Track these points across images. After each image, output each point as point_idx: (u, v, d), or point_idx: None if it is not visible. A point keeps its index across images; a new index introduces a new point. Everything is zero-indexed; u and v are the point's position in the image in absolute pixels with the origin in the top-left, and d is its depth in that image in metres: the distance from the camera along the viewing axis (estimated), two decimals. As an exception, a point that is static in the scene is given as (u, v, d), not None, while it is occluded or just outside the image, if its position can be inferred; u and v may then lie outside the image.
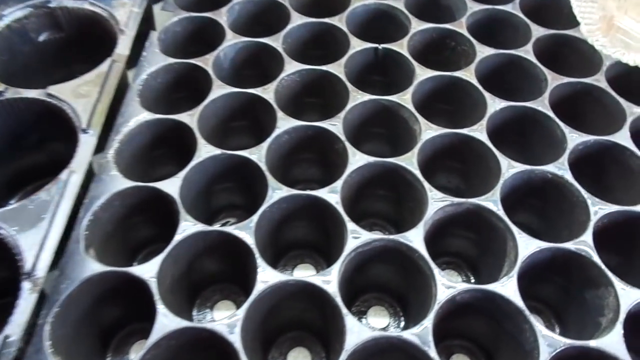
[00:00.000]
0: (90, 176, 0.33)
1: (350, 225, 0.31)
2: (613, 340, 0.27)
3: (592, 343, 0.27)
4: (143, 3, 0.42)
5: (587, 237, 0.31)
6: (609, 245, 0.33)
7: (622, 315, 0.28)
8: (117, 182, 0.33)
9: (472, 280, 0.37)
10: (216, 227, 0.32)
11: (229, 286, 0.35)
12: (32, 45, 0.42)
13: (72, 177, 0.31)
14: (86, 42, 0.42)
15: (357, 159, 0.34)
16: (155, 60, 0.40)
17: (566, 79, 0.40)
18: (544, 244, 0.30)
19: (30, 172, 0.40)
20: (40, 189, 0.37)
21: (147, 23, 0.44)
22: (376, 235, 0.31)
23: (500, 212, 0.32)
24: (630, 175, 0.36)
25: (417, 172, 0.34)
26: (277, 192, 0.33)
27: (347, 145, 0.35)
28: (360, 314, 0.35)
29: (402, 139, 0.38)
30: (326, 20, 0.43)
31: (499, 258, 0.32)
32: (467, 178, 0.39)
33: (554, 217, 0.36)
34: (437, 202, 0.32)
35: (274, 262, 0.37)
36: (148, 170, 0.38)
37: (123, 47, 0.38)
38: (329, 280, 0.29)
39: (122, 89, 0.38)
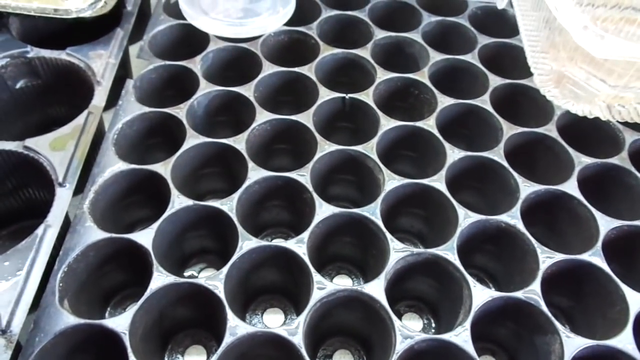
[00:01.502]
0: (66, 227, 0.34)
1: (317, 277, 0.33)
2: (559, 385, 0.30)
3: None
4: (119, 54, 0.43)
5: (536, 285, 0.33)
6: (559, 290, 0.36)
7: (567, 362, 0.30)
8: (92, 234, 0.34)
9: (433, 325, 0.39)
10: (187, 278, 0.33)
11: (200, 332, 0.37)
12: (9, 92, 0.43)
13: (48, 231, 0.32)
14: (63, 90, 0.44)
15: (323, 210, 0.36)
16: (131, 108, 0.42)
17: (520, 129, 0.42)
18: (496, 294, 0.33)
19: (5, 216, 0.41)
20: (14, 235, 0.38)
21: (123, 70, 0.45)
22: (340, 286, 0.33)
23: (457, 262, 0.34)
24: (578, 222, 0.38)
25: (380, 223, 0.36)
26: (247, 242, 0.34)
27: (315, 195, 0.37)
28: (326, 358, 0.37)
29: (368, 187, 0.40)
30: (296, 69, 0.45)
31: (456, 304, 0.34)
32: (428, 224, 0.41)
33: (508, 263, 0.38)
34: (398, 252, 0.34)
35: (245, 306, 0.38)
36: (123, 216, 0.39)
37: (99, 99, 0.40)
38: (295, 332, 0.30)
39: (98, 138, 0.39)
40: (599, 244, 0.36)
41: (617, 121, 0.43)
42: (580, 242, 0.37)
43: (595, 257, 0.35)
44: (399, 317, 0.37)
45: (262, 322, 0.38)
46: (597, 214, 0.37)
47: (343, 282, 0.40)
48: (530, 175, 0.42)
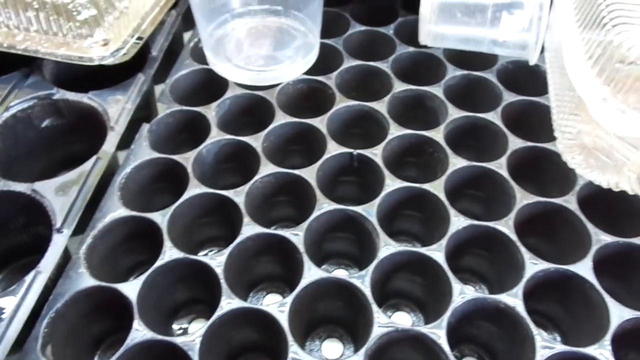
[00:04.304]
0: (60, 271, 0.35)
1: (293, 347, 0.32)
2: None
3: None
4: (137, 99, 0.45)
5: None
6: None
7: None
8: (83, 280, 0.35)
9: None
10: (166, 336, 0.33)
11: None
12: (36, 130, 0.45)
13: (38, 278, 0.33)
14: (85, 130, 0.45)
15: (312, 274, 0.35)
16: (142, 153, 0.43)
17: (535, 198, 0.40)
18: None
19: (16, 250, 0.42)
20: (23, 268, 0.40)
21: (147, 112, 0.47)
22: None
23: (441, 341, 0.32)
24: (590, 306, 0.35)
25: (368, 293, 0.34)
26: (229, 303, 0.34)
27: (305, 258, 0.36)
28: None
29: (365, 249, 0.39)
30: (308, 120, 0.45)
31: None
32: (425, 291, 0.39)
33: (507, 345, 0.36)
34: (382, 327, 0.33)
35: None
36: (122, 262, 0.40)
37: (109, 144, 0.41)
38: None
39: (106, 182, 0.40)
40: (609, 336, 0.33)
41: (647, 196, 0.39)
42: (593, 325, 0.34)
43: (602, 349, 0.32)
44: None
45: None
46: (611, 302, 0.34)
47: (332, 346, 0.39)
48: (545, 249, 0.39)
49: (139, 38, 0.45)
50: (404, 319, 0.40)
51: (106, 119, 0.43)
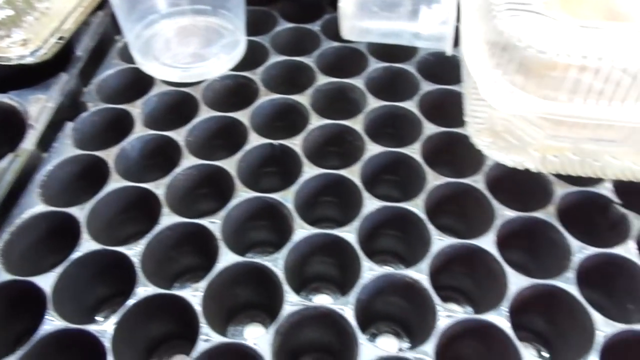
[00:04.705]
0: (-24, 268, 0.35)
1: None
2: None
3: None
4: (59, 98, 0.45)
5: None
6: None
7: None
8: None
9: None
10: (80, 325, 0.33)
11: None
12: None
13: (-52, 273, 0.33)
14: (4, 128, 0.45)
15: (228, 258, 0.36)
16: (65, 151, 0.43)
17: (445, 179, 0.42)
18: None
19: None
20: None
21: (74, 112, 0.47)
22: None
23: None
24: (493, 276, 0.37)
25: (281, 275, 0.35)
26: (145, 290, 0.34)
27: (222, 245, 0.37)
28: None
29: (282, 234, 0.40)
30: (231, 114, 0.46)
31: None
32: (340, 272, 0.41)
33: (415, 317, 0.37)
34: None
35: None
36: (40, 258, 0.40)
37: (29, 142, 0.41)
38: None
39: (25, 179, 0.41)
40: (507, 303, 0.35)
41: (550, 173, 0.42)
42: (492, 298, 0.36)
43: (500, 316, 0.34)
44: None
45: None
46: (511, 272, 0.36)
47: (256, 330, 0.40)
48: (457, 227, 0.41)
49: (61, 38, 0.46)
50: (324, 300, 0.41)
51: (26, 117, 0.43)
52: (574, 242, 0.38)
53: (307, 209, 0.41)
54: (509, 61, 0.36)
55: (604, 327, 0.34)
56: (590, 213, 0.41)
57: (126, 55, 0.52)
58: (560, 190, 0.41)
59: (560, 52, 0.34)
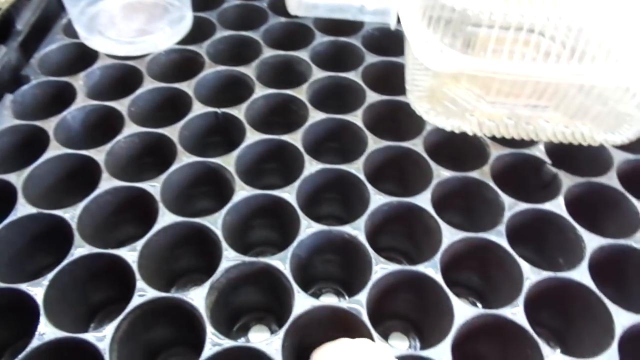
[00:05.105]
0: None
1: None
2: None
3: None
4: (-3, 69, 0.44)
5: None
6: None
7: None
8: None
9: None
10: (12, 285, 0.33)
11: None
12: None
13: None
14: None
15: (166, 219, 0.36)
16: (3, 122, 0.43)
17: (385, 143, 0.43)
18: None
19: None
20: None
21: (7, 86, 0.46)
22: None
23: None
24: (429, 231, 0.38)
25: (220, 234, 0.36)
26: (80, 250, 0.34)
27: (161, 206, 0.37)
28: None
29: (223, 200, 0.40)
30: (175, 85, 0.46)
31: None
32: (280, 233, 0.41)
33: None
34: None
35: None
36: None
37: (-37, 111, 0.41)
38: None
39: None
40: (439, 255, 0.36)
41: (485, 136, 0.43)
42: (427, 249, 0.37)
43: (433, 268, 0.35)
44: None
45: None
46: (444, 226, 0.37)
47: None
48: (396, 189, 0.42)
49: (-1, 9, 0.45)
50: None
51: (-38, 88, 0.42)
52: (507, 199, 0.39)
53: (250, 175, 0.41)
54: (438, 20, 0.37)
55: (532, 276, 0.35)
56: (524, 173, 0.43)
57: (70, 32, 0.52)
58: (495, 152, 0.43)
59: (484, 9, 0.35)
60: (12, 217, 0.36)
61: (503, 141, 0.43)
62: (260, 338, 0.38)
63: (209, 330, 0.31)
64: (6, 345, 0.36)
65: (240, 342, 0.32)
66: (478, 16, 0.36)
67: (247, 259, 0.35)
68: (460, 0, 0.36)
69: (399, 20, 0.52)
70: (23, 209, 0.36)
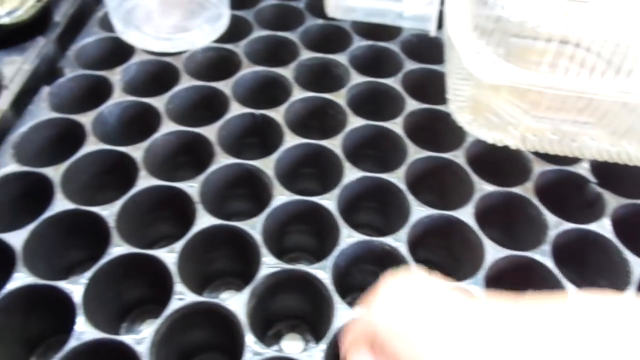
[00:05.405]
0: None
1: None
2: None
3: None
4: (36, 61, 0.44)
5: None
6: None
7: None
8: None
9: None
10: (50, 281, 0.32)
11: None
12: None
13: None
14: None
15: (204, 221, 0.36)
16: (40, 114, 0.42)
17: (427, 153, 0.42)
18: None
19: None
20: None
21: (44, 78, 0.46)
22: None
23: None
24: (469, 248, 0.37)
25: (259, 239, 0.35)
26: (118, 249, 0.34)
27: (200, 208, 0.36)
28: None
29: (265, 202, 0.39)
30: (213, 84, 0.46)
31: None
32: (320, 243, 0.41)
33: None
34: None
35: None
36: (13, 218, 0.39)
37: (2, 102, 0.40)
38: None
39: (-1, 140, 0.40)
40: (482, 272, 0.35)
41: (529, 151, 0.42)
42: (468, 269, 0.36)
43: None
44: None
45: None
46: (487, 242, 0.36)
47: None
48: (435, 201, 0.41)
49: (39, 0, 0.45)
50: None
51: (0, 78, 0.42)
52: (550, 218, 0.38)
53: (287, 179, 0.41)
54: (492, 31, 0.36)
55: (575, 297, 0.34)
56: (567, 191, 0.42)
57: (106, 25, 0.51)
58: (538, 167, 0.42)
59: (543, 22, 0.34)
60: (50, 212, 0.35)
61: (546, 157, 0.42)
62: (294, 347, 0.37)
63: (250, 338, 0.30)
64: (38, 340, 0.36)
65: (283, 353, 0.31)
66: (525, 27, 0.35)
67: (286, 266, 0.34)
68: (515, 12, 0.35)
69: (439, 27, 0.52)
70: (61, 204, 0.36)
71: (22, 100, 0.42)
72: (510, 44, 0.42)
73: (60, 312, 0.32)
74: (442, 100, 0.46)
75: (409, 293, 0.20)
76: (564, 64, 0.42)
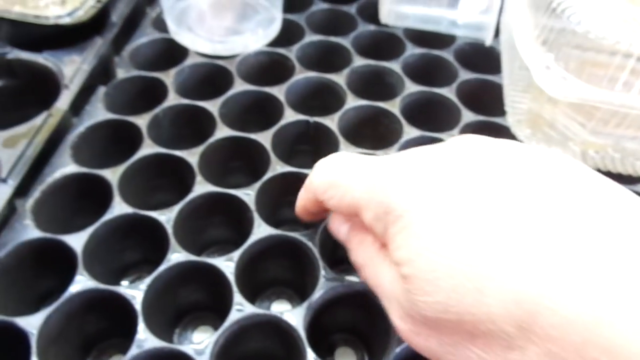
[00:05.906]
0: (4, 222, 0.35)
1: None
2: None
3: None
4: (94, 61, 0.44)
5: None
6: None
7: None
8: (28, 232, 0.34)
9: None
10: (110, 286, 0.32)
11: None
12: (-12, 90, 0.45)
13: (-22, 226, 0.33)
14: (39, 91, 0.45)
15: (261, 230, 0.35)
16: (97, 114, 0.42)
17: (484, 167, 0.41)
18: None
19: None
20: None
21: (106, 77, 0.46)
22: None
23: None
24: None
25: (317, 253, 0.35)
26: (177, 255, 0.34)
27: (256, 216, 0.36)
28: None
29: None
30: (266, 89, 0.46)
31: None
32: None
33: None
34: (326, 281, 0.33)
35: None
36: (69, 219, 0.39)
37: (63, 102, 0.41)
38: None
39: (57, 139, 0.40)
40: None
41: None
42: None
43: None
44: None
45: None
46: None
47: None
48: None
49: (99, 0, 0.45)
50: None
51: (61, 78, 0.42)
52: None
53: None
54: (563, 46, 0.35)
55: None
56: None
57: (160, 25, 0.51)
58: (600, 185, 0.40)
59: (622, 38, 0.33)
60: (109, 216, 0.35)
61: (607, 175, 0.41)
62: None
63: (311, 354, 0.30)
64: (91, 344, 0.36)
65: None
66: (590, 39, 0.34)
67: (346, 278, 0.33)
68: (592, 24, 0.34)
69: (495, 36, 0.51)
70: (119, 207, 0.36)
71: (80, 101, 0.42)
72: (572, 56, 0.41)
73: (117, 316, 0.32)
74: (499, 112, 0.45)
75: (338, 159, 0.28)
76: (625, 77, 0.40)
